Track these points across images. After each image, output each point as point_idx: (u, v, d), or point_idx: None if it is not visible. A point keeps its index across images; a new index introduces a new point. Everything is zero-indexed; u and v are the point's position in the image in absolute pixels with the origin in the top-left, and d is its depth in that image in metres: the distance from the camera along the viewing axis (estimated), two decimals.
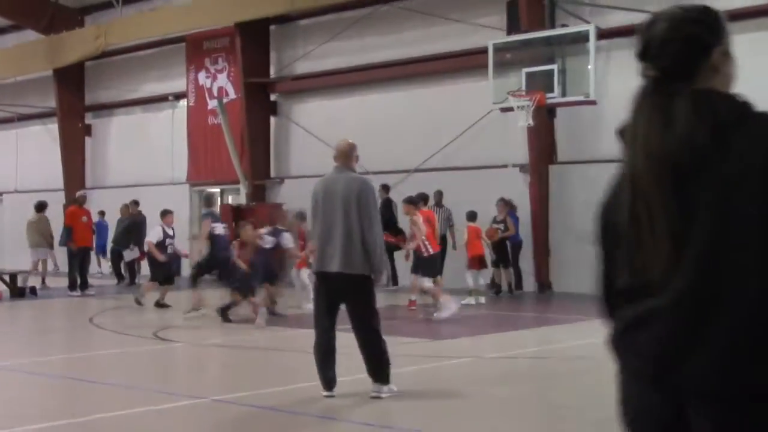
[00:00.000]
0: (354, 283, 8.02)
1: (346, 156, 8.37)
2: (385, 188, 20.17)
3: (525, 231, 19.25)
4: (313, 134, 23.69)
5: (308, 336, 12.13)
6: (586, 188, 18.73)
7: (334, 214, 8.08)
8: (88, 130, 29.83)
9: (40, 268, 22.23)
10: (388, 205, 19.84)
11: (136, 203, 22.23)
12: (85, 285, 19.85)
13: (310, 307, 16.67)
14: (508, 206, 18.24)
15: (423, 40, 21.88)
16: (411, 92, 22.24)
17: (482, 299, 16.74)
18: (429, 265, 14.86)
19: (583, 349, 11.61)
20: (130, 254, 21.90)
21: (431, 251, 14.76)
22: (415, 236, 14.75)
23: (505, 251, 18.36)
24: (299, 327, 13.70)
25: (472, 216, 17.47)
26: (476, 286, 17.07)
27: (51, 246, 22.52)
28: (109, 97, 29.02)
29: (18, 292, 19.15)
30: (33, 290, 19.55)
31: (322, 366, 8.13)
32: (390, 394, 8.08)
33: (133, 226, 21.94)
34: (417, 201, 15.25)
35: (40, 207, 22.29)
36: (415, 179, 20.90)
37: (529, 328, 13.72)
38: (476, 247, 17.22)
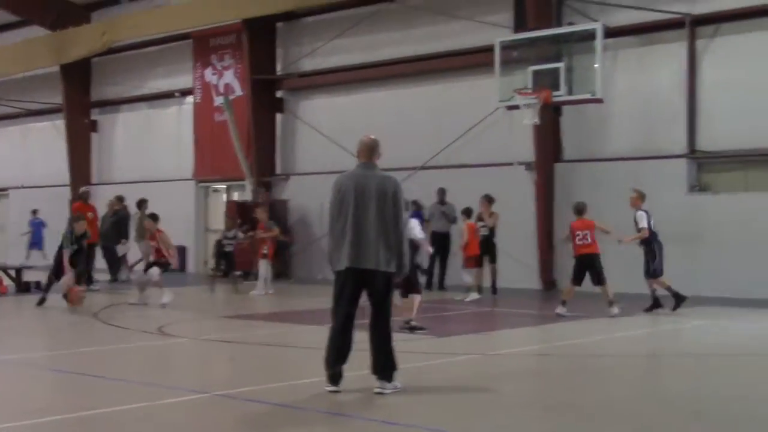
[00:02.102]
0: (384, 280, 8.16)
1: (371, 152, 8.40)
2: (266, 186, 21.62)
3: (527, 229, 19.22)
4: (319, 131, 23.72)
5: (311, 332, 12.23)
6: (591, 186, 18.76)
7: (366, 212, 8.13)
8: (94, 126, 29.89)
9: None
10: (274, 207, 21.82)
11: (120, 199, 22.14)
12: (90, 280, 19.85)
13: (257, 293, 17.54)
14: (490, 203, 17.94)
15: (430, 38, 21.87)
16: (417, 89, 22.24)
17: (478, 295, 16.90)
18: None
19: (587, 347, 11.64)
20: (122, 249, 21.88)
21: None
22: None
23: (492, 248, 18.05)
24: (302, 323, 13.76)
25: (468, 212, 17.42)
26: (477, 281, 17.15)
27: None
28: (115, 93, 29.06)
29: (23, 287, 19.19)
30: (38, 285, 19.54)
31: (335, 359, 8.18)
32: (394, 390, 8.14)
33: (121, 222, 21.93)
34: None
35: (140, 203, 22.30)
36: (421, 177, 20.93)
37: (534, 326, 13.69)
38: (474, 245, 17.21)
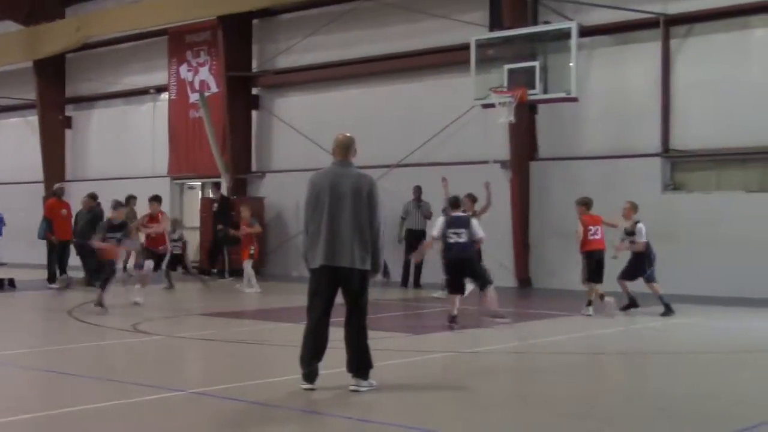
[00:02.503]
0: (359, 278, 8.19)
1: (346, 149, 8.42)
2: (218, 186, 22.24)
3: (502, 227, 19.27)
4: (295, 128, 23.69)
5: (287, 329, 12.23)
6: (566, 185, 18.85)
7: (341, 210, 8.15)
8: (68, 122, 29.68)
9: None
10: (226, 203, 22.45)
11: (93, 197, 21.95)
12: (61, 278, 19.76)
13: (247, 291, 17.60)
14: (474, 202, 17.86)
15: (405, 36, 21.90)
16: (393, 87, 22.26)
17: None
18: None
19: (562, 345, 11.70)
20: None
21: None
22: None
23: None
24: (278, 320, 13.75)
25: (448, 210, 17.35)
26: None
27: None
28: (89, 89, 28.87)
29: None
30: (11, 282, 19.43)
31: (311, 357, 8.19)
32: (369, 388, 8.17)
33: (95, 219, 21.77)
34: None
35: (129, 200, 22.15)
36: (397, 174, 20.95)
37: (509, 324, 13.73)
38: None
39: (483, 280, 13.30)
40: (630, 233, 14.73)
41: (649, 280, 14.63)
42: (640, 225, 14.69)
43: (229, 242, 21.92)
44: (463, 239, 13.07)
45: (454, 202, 13.72)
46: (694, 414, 7.55)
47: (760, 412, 7.50)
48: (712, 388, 8.73)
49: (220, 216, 22.48)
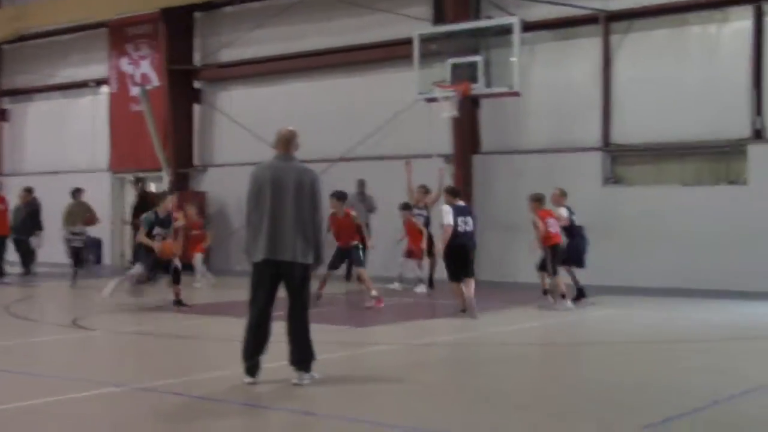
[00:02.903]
0: (301, 271, 8.18)
1: (288, 143, 8.41)
2: (138, 180, 22.33)
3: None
4: (238, 122, 23.56)
5: (229, 323, 12.17)
6: (509, 178, 19.02)
7: (284, 203, 8.13)
8: (4, 115, 29.20)
9: None
10: (145, 197, 22.00)
11: (29, 191, 21.65)
12: (1, 273, 19.44)
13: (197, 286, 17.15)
14: (427, 193, 17.96)
15: (349, 30, 21.88)
16: (337, 81, 22.24)
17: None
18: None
19: (506, 336, 11.81)
20: (36, 241, 21.42)
21: None
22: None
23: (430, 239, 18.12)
24: (220, 315, 13.68)
25: (407, 207, 17.36)
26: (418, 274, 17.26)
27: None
28: (27, 81, 28.38)
29: None
30: None
31: (253, 351, 8.18)
32: (312, 381, 8.19)
33: (33, 213, 21.49)
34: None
35: (75, 192, 21.78)
36: (340, 168, 20.94)
37: (455, 316, 13.81)
38: (416, 237, 17.23)
39: (471, 269, 13.55)
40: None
41: (570, 264, 14.86)
42: (562, 209, 14.83)
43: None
44: (470, 228, 13.46)
45: (455, 192, 13.97)
46: (635, 401, 7.66)
47: (696, 399, 7.65)
48: (650, 377, 8.87)
49: (139, 211, 22.19)
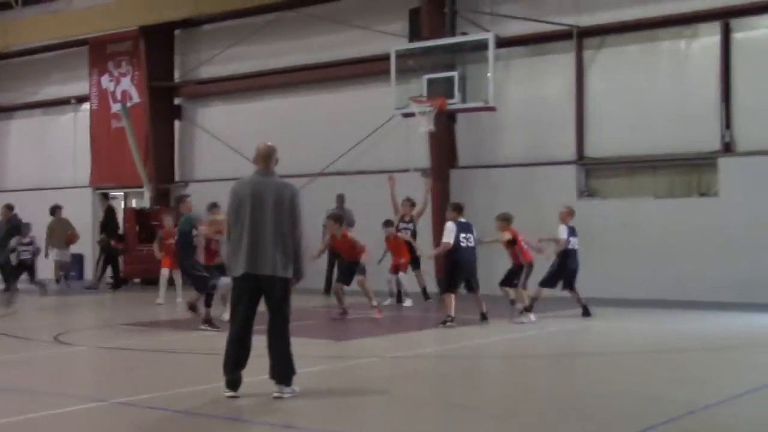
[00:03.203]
0: (282, 285, 8.31)
1: (268, 158, 8.53)
2: (105, 196, 22.52)
3: (423, 234, 19.54)
4: (218, 138, 23.73)
5: (208, 338, 12.31)
6: (486, 192, 19.26)
7: (264, 218, 8.26)
8: None
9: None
10: (113, 213, 22.77)
11: (10, 207, 21.73)
12: None
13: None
14: (413, 206, 18.07)
15: (327, 46, 22.11)
16: (315, 97, 22.45)
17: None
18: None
19: (483, 349, 11.97)
20: (16, 257, 21.51)
21: None
22: None
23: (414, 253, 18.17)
24: (201, 329, 13.75)
25: (388, 224, 17.45)
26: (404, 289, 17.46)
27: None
28: (8, 99, 28.47)
29: None
30: None
31: (234, 365, 8.29)
32: (292, 394, 8.27)
33: (14, 230, 21.57)
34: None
35: (54, 209, 21.94)
36: (320, 183, 21.14)
37: (432, 329, 13.99)
38: (401, 252, 17.36)
39: (476, 283, 14.19)
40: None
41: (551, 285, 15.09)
42: (562, 226, 15.01)
43: (111, 252, 22.02)
44: (472, 243, 14.07)
45: (460, 208, 14.40)
46: (612, 412, 7.80)
47: (672, 409, 7.78)
48: (627, 387, 9.01)
49: (106, 227, 22.41)
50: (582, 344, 12.38)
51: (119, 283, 22.63)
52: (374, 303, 15.10)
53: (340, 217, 15.71)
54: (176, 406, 8.00)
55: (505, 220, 14.93)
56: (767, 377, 9.39)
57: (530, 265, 14.82)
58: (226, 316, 13.65)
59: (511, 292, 15.17)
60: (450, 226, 14.01)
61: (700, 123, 17.56)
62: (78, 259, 24.89)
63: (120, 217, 24.81)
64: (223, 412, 7.85)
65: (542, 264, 15.16)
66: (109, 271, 22.94)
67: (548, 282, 15.04)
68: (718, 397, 8.29)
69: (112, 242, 22.03)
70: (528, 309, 14.48)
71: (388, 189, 17.84)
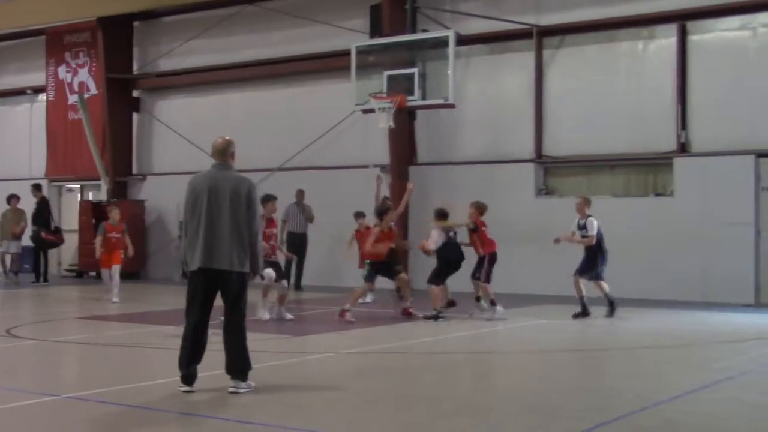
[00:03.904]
0: (238, 280, 8.30)
1: (224, 152, 8.53)
2: (37, 187, 22.02)
3: None
4: (177, 132, 23.58)
5: (165, 332, 12.24)
6: (445, 189, 19.32)
7: (221, 212, 8.25)
8: None
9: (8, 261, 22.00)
10: (45, 205, 22.00)
11: None
12: None
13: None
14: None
15: (288, 41, 22.05)
16: (275, 92, 22.40)
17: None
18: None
19: (439, 344, 12.02)
20: None
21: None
22: None
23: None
24: (156, 323, 13.70)
25: (360, 214, 17.32)
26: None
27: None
28: None
29: None
30: None
31: (190, 359, 8.26)
32: (248, 389, 8.28)
33: None
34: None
35: (9, 198, 21.60)
36: (279, 178, 21.09)
37: (389, 324, 14.01)
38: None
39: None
40: (582, 227, 14.94)
41: (597, 277, 14.88)
42: (591, 218, 14.86)
43: (43, 245, 21.75)
44: (457, 240, 14.84)
45: (443, 215, 15.05)
46: (565, 408, 7.87)
47: (624, 405, 7.90)
48: (580, 384, 9.14)
49: (37, 218, 22.04)
50: (534, 342, 12.43)
51: (45, 277, 21.94)
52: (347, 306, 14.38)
53: (361, 213, 16.81)
54: (130, 400, 7.97)
55: (477, 207, 14.92)
56: (719, 374, 9.52)
57: (492, 256, 14.69)
58: (265, 314, 13.92)
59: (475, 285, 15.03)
60: (435, 233, 14.96)
61: (657, 123, 17.76)
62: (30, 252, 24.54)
63: (56, 208, 24.56)
64: (177, 407, 7.82)
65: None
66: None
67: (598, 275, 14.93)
68: (670, 393, 8.41)
69: (42, 234, 21.64)
70: (493, 302, 14.47)
71: (375, 188, 17.23)
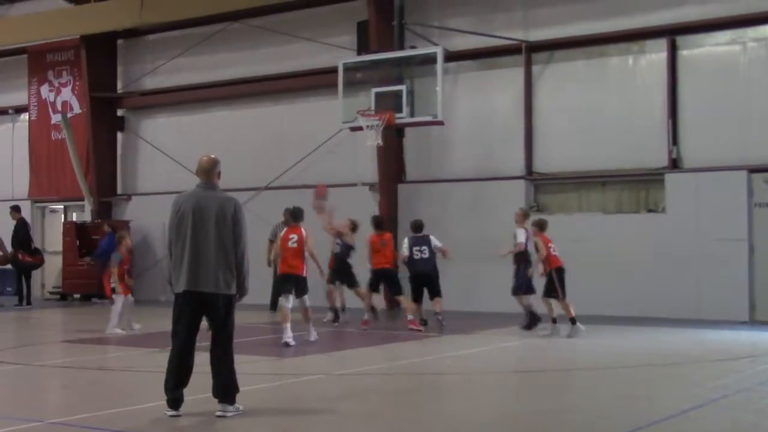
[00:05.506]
0: (225, 302, 8.13)
1: (210, 172, 8.36)
2: (16, 209, 21.87)
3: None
4: (162, 151, 23.36)
5: (152, 355, 12.01)
6: (434, 207, 19.16)
7: (206, 233, 8.07)
8: None
9: None
10: (23, 226, 21.71)
11: None
12: None
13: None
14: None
15: (274, 58, 21.92)
16: (262, 110, 22.24)
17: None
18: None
19: (428, 365, 11.85)
20: None
21: None
22: None
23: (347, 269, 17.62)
24: (143, 346, 13.48)
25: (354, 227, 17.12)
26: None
27: None
28: None
29: None
30: None
31: (176, 383, 8.09)
32: (236, 413, 8.11)
33: None
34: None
35: None
36: (266, 197, 20.89)
37: (377, 345, 13.83)
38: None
39: (437, 289, 15.35)
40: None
41: (529, 290, 15.07)
42: (521, 229, 14.99)
43: (22, 267, 21.44)
44: (426, 255, 15.37)
45: (417, 226, 15.76)
46: (558, 429, 7.75)
47: (618, 426, 7.76)
48: (574, 404, 8.99)
49: (15, 240, 21.70)
50: (526, 361, 12.32)
51: (29, 300, 21.38)
52: (366, 316, 15.72)
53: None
54: (116, 425, 7.81)
55: (537, 225, 14.80)
56: (713, 393, 9.38)
57: (558, 271, 14.60)
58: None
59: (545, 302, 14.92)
60: (406, 242, 15.59)
61: (648, 139, 17.66)
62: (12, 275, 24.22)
63: (39, 230, 24.33)
64: (164, 431, 7.67)
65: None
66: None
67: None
68: (665, 413, 8.28)
69: (19, 256, 21.33)
70: (573, 321, 14.44)
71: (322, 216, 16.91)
